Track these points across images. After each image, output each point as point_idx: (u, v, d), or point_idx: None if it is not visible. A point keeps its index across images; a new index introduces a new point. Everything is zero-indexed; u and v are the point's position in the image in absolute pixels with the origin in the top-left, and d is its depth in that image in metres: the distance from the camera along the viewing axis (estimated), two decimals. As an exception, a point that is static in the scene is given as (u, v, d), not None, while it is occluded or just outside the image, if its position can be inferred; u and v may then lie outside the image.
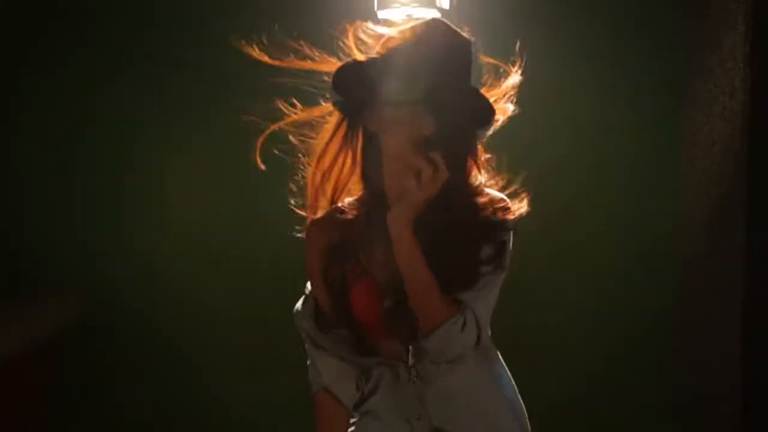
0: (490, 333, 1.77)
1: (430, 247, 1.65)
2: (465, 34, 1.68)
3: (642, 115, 3.09)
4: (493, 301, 1.69)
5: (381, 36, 1.68)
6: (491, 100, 1.68)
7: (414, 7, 2.63)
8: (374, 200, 1.73)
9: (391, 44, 1.66)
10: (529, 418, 1.88)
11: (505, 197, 1.71)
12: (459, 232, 1.67)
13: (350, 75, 1.68)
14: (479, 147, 1.71)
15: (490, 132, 1.69)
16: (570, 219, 3.07)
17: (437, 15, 2.66)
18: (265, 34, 3.04)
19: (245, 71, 3.10)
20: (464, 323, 1.63)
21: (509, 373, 1.84)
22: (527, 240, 1.79)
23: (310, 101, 1.85)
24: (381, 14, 2.69)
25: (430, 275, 1.63)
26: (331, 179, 1.79)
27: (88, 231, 3.24)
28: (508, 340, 1.84)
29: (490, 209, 1.68)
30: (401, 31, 1.66)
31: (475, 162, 1.70)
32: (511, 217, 1.69)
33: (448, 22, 1.69)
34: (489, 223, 1.67)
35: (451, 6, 2.65)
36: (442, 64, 1.63)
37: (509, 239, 1.69)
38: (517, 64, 1.72)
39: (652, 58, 3.07)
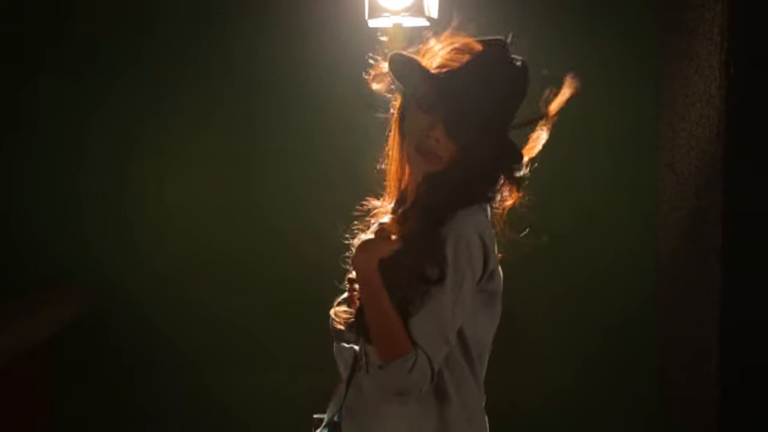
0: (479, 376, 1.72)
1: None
2: (519, 65, 1.66)
3: (622, 121, 3.15)
4: (442, 333, 1.61)
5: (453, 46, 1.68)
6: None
7: (404, 16, 2.69)
8: (399, 199, 1.77)
9: (452, 55, 1.66)
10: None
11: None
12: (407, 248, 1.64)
13: (399, 65, 1.69)
14: (504, 183, 1.71)
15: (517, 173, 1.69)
16: (550, 220, 3.11)
17: (426, 24, 2.73)
18: (260, 39, 3.13)
19: (245, 73, 3.20)
20: (414, 363, 1.59)
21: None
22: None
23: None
24: (371, 23, 2.76)
25: (390, 314, 1.61)
26: (389, 168, 1.80)
27: (83, 230, 3.23)
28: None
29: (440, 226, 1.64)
30: (465, 46, 1.66)
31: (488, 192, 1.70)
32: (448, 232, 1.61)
33: (507, 54, 1.67)
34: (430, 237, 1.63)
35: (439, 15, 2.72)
36: (479, 94, 1.63)
37: (451, 263, 1.61)
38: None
39: (632, 66, 3.13)
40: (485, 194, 1.72)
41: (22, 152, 3.24)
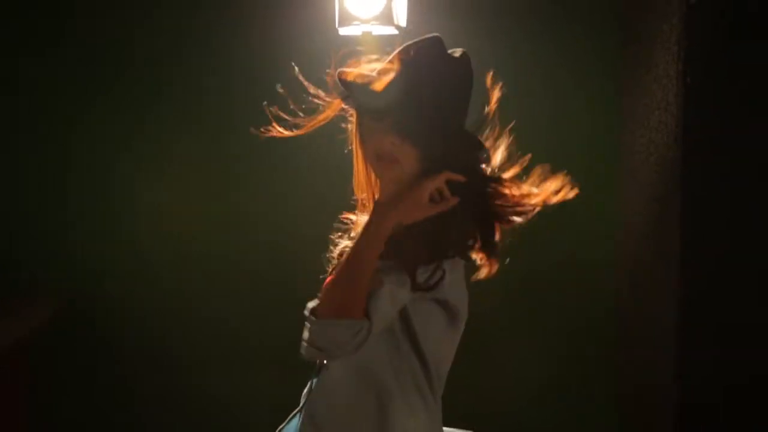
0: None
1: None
2: (457, 57, 1.71)
3: (584, 129, 3.24)
4: (388, 318, 1.64)
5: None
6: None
7: (373, 24, 2.76)
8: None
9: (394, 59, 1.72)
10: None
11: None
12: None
13: (345, 81, 1.75)
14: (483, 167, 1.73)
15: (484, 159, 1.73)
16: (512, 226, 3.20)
17: (395, 32, 2.80)
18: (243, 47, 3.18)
19: (222, 79, 3.24)
20: (360, 330, 1.61)
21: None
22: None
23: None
24: (342, 31, 2.81)
25: (369, 276, 1.62)
26: (358, 181, 1.85)
27: (68, 232, 3.25)
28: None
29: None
30: (401, 50, 1.73)
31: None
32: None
33: (442, 48, 1.71)
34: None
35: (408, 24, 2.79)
36: (420, 92, 1.68)
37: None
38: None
39: (595, 75, 3.22)
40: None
41: (5, 153, 3.25)
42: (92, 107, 3.24)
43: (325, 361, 1.75)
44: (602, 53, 3.24)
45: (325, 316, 1.62)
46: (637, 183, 3.09)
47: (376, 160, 1.74)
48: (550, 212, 3.21)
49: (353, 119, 1.81)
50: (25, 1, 3.24)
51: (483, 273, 1.78)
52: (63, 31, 3.23)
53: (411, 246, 1.67)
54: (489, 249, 1.77)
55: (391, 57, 1.75)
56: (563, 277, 3.25)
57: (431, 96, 1.69)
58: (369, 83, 1.72)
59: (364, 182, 1.83)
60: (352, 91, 1.74)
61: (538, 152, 3.16)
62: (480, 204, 1.75)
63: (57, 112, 3.26)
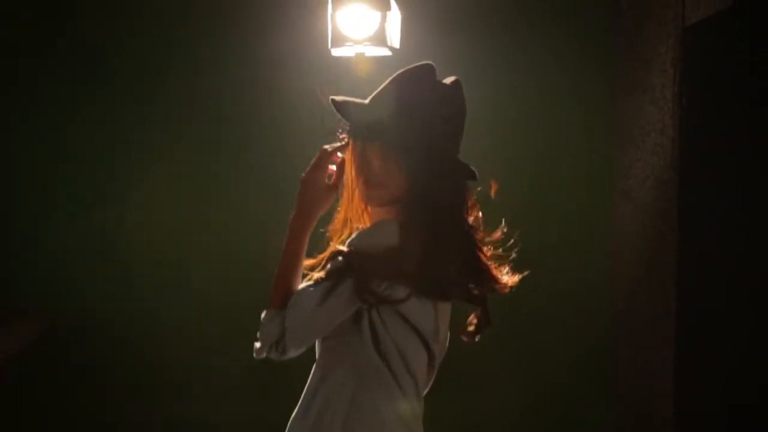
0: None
1: None
2: (447, 84, 1.71)
3: (578, 150, 3.22)
4: (311, 313, 1.64)
5: None
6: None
7: (366, 45, 2.74)
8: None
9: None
10: None
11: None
12: None
13: (338, 108, 1.75)
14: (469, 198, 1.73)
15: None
16: (510, 248, 3.19)
17: (389, 54, 2.78)
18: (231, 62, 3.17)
19: (212, 98, 3.23)
20: (270, 319, 1.67)
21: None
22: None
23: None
24: (335, 52, 2.79)
25: (296, 266, 1.71)
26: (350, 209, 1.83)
27: (49, 246, 3.21)
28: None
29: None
30: (391, 78, 1.73)
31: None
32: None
33: (431, 74, 1.72)
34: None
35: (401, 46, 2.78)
36: (405, 115, 1.69)
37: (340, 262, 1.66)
38: None
39: (589, 100, 3.21)
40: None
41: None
42: (92, 108, 3.22)
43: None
44: (598, 75, 3.24)
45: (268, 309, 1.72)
46: (633, 205, 3.08)
47: (365, 184, 1.74)
48: (547, 233, 3.25)
49: (348, 148, 1.78)
50: (25, 1, 3.23)
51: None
52: (63, 31, 3.21)
53: (373, 262, 1.66)
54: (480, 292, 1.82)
55: (384, 84, 1.75)
56: (561, 294, 3.23)
57: (419, 122, 1.70)
58: (361, 104, 1.74)
59: (358, 208, 1.82)
60: (344, 110, 1.74)
61: (534, 173, 3.19)
62: (464, 243, 1.76)
63: (55, 113, 3.23)
